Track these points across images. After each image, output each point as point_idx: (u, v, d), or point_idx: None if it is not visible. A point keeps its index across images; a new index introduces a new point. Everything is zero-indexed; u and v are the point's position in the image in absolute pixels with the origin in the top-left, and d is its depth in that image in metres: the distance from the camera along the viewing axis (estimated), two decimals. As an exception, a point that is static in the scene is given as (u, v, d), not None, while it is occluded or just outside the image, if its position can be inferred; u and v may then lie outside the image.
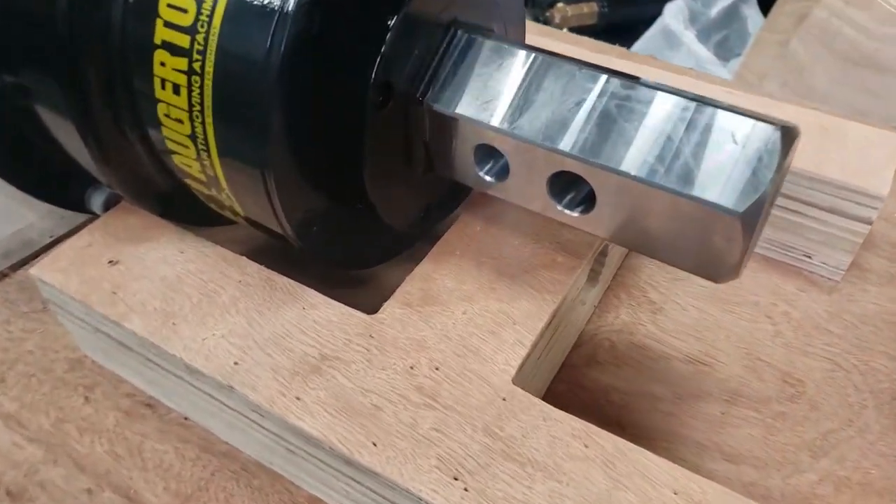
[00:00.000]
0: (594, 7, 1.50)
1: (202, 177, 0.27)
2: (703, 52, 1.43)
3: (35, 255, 0.40)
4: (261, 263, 0.30)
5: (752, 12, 1.41)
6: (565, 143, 0.24)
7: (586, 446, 0.24)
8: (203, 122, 0.25)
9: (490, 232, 0.31)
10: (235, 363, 0.26)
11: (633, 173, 0.23)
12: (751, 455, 0.30)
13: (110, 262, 0.30)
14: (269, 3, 0.23)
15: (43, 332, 0.36)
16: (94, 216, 0.34)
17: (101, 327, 0.30)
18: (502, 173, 0.27)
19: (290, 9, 0.22)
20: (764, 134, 0.22)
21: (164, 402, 0.32)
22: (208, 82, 0.24)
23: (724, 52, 1.46)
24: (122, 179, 0.30)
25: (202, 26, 0.24)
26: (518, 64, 0.26)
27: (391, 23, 0.25)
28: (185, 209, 0.33)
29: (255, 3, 0.23)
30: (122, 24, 0.26)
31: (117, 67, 0.26)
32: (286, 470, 0.29)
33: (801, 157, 0.35)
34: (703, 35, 1.43)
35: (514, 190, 0.27)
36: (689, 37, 1.37)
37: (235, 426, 0.29)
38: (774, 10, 1.19)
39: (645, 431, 0.31)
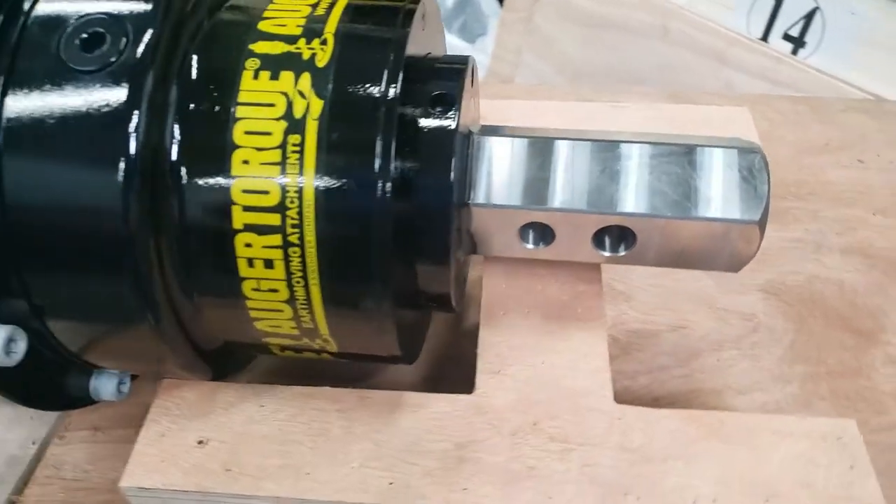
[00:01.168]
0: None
1: (294, 332, 0.28)
2: (450, 38, 1.54)
3: (31, 472, 0.36)
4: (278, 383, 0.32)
5: (481, -4, 1.55)
6: (609, 206, 0.29)
7: (692, 428, 0.30)
8: (306, 286, 0.26)
9: (514, 286, 0.36)
10: (390, 483, 0.29)
11: (670, 215, 0.29)
12: (752, 382, 0.39)
13: (199, 442, 0.30)
14: (363, 177, 0.25)
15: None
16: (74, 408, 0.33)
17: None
18: (547, 240, 0.31)
19: (384, 185, 0.25)
20: (748, 158, 0.29)
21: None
22: (311, 250, 0.26)
23: (467, 35, 1.58)
24: (178, 352, 0.29)
25: (292, 202, 0.25)
26: (536, 150, 0.30)
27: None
28: (231, 363, 0.34)
29: (351, 172, 0.25)
30: (183, 218, 0.26)
31: (190, 257, 0.26)
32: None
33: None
34: (446, 23, 1.54)
35: (560, 250, 0.32)
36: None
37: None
38: (507, -2, 1.33)
39: (676, 397, 0.38)
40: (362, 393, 0.32)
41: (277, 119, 0.25)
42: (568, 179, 0.30)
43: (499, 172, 0.30)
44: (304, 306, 0.27)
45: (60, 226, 0.25)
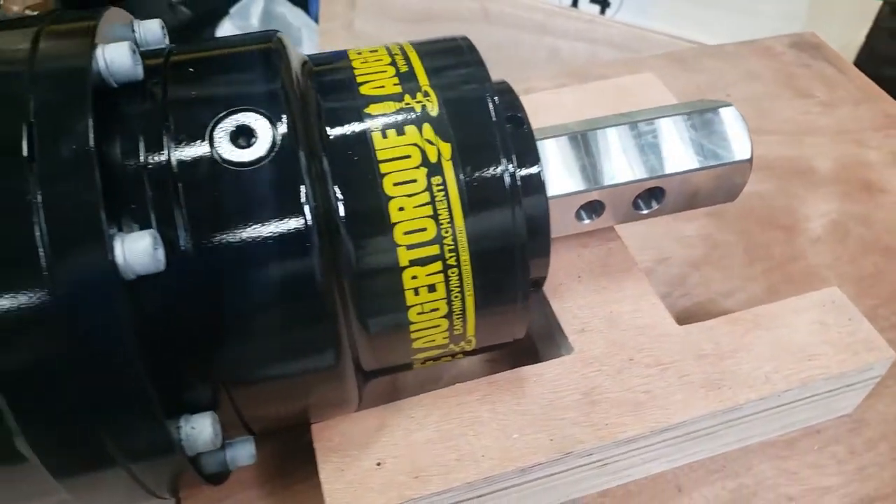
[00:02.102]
0: None
1: (444, 342, 0.33)
2: None
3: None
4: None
5: (285, 9, 1.56)
6: (642, 173, 0.37)
7: (737, 327, 0.39)
8: (462, 298, 0.31)
9: (557, 260, 0.42)
10: (550, 440, 0.34)
11: (695, 167, 0.37)
12: (732, 287, 0.49)
13: (378, 464, 0.34)
14: (499, 195, 0.30)
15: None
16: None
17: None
18: (598, 213, 0.38)
19: (517, 198, 0.30)
20: (728, 114, 0.38)
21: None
22: (466, 267, 0.30)
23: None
24: (350, 388, 0.32)
25: (446, 232, 0.30)
26: (577, 143, 0.37)
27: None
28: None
29: (488, 194, 0.30)
30: (357, 265, 0.29)
31: (364, 298, 0.30)
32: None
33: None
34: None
35: (607, 218, 0.39)
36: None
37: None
38: (323, 4, 1.36)
39: (689, 312, 0.47)
40: (487, 380, 0.37)
41: (417, 167, 0.30)
42: (611, 159, 0.37)
43: (555, 166, 0.36)
44: (458, 317, 0.32)
45: (260, 296, 0.27)
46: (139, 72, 0.28)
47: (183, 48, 0.31)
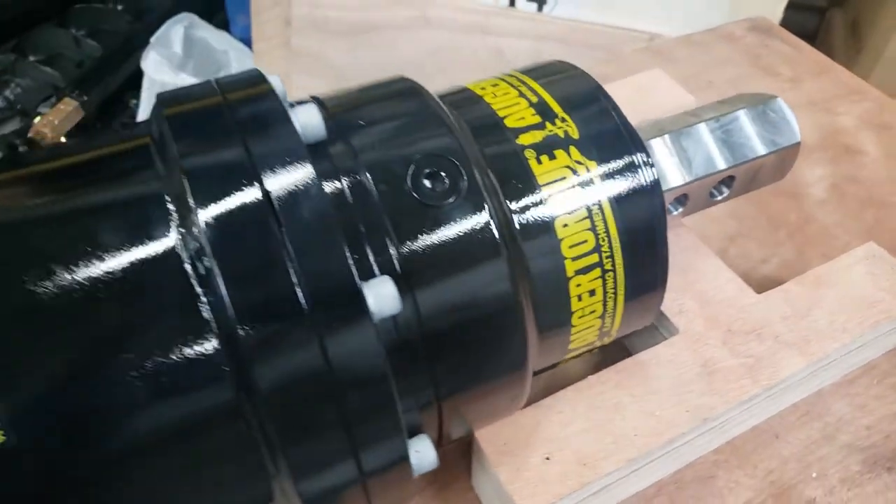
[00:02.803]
0: (72, 102, 1.41)
1: (593, 339, 0.37)
2: (189, 80, 1.49)
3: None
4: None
5: (207, 33, 1.53)
6: (724, 163, 0.42)
7: (802, 288, 0.44)
8: (615, 298, 0.35)
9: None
10: (686, 411, 0.38)
11: (762, 153, 0.42)
12: (765, 254, 0.55)
13: (546, 458, 0.37)
14: (647, 196, 0.34)
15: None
16: None
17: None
18: (683, 204, 0.43)
19: (660, 197, 0.34)
20: (776, 104, 0.44)
21: None
22: (619, 269, 0.34)
23: (205, 73, 1.54)
24: (525, 389, 0.35)
25: (603, 240, 0.33)
26: (675, 140, 0.41)
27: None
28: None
29: (632, 199, 0.34)
30: (534, 275, 0.32)
31: (540, 305, 0.33)
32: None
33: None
34: (180, 68, 1.49)
35: (689, 209, 0.43)
36: (185, 78, 1.43)
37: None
38: (255, 25, 1.34)
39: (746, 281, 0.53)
40: (613, 369, 0.41)
41: (573, 187, 0.33)
42: (699, 154, 0.41)
43: (658, 164, 0.41)
44: (610, 315, 0.35)
45: (464, 319, 0.30)
46: (323, 130, 0.30)
47: (334, 102, 0.33)
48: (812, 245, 0.55)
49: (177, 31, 1.51)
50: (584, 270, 0.33)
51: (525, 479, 0.36)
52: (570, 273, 0.33)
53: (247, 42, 1.54)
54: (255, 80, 0.31)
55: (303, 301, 0.25)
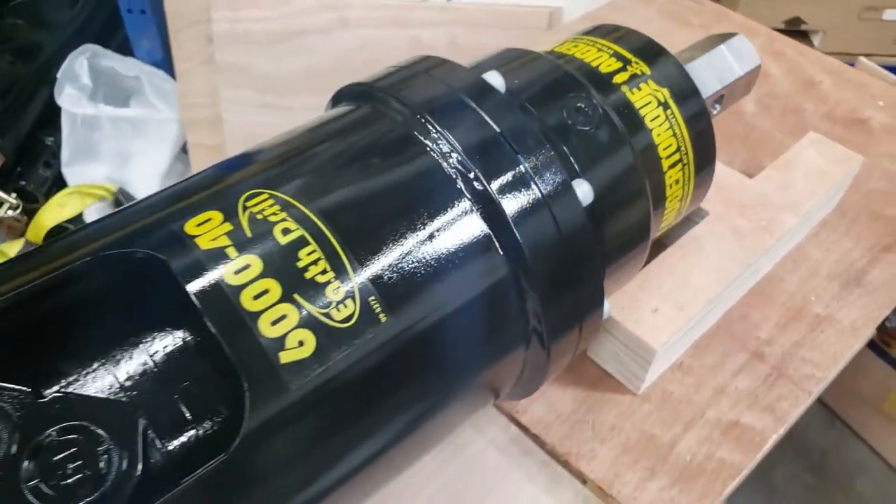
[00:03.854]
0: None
1: (672, 220, 0.50)
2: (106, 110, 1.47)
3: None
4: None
5: (114, 62, 1.52)
6: (720, 84, 0.57)
7: (777, 169, 0.61)
8: (689, 183, 0.49)
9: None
10: (735, 262, 0.53)
11: (740, 74, 0.58)
12: (745, 152, 0.71)
13: (654, 310, 0.50)
14: (699, 104, 0.48)
15: None
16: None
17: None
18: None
19: (702, 100, 0.48)
20: (739, 39, 0.59)
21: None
22: (691, 163, 0.48)
23: (117, 100, 1.54)
24: None
25: (681, 142, 0.47)
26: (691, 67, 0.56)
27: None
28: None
29: (694, 109, 0.48)
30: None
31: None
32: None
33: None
34: (92, 97, 1.48)
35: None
36: (104, 109, 1.44)
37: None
38: (175, 45, 1.37)
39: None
40: (676, 245, 0.55)
41: (657, 107, 0.46)
42: (706, 77, 0.56)
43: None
44: (685, 198, 0.49)
45: (620, 202, 0.43)
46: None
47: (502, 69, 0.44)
48: (759, 146, 0.73)
49: (81, 63, 1.49)
50: (672, 165, 0.47)
51: (645, 326, 0.49)
52: (665, 168, 0.47)
53: (156, 65, 1.56)
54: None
55: (538, 189, 0.37)
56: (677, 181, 0.48)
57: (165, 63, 1.53)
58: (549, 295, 0.38)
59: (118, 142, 1.46)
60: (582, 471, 0.48)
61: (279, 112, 1.40)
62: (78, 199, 1.36)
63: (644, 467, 0.48)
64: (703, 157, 0.49)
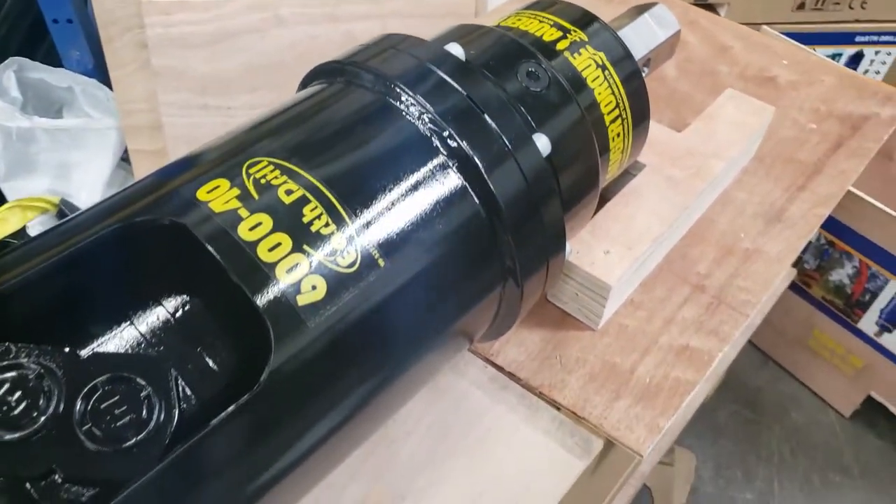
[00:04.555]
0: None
1: (615, 172, 0.56)
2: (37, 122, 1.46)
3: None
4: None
5: (44, 73, 1.50)
6: (645, 49, 0.63)
7: (702, 121, 0.68)
8: (628, 136, 0.55)
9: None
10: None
11: (663, 39, 0.64)
12: (671, 112, 0.78)
13: (606, 252, 0.56)
14: (632, 65, 0.54)
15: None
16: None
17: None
18: (626, 83, 0.64)
19: (634, 61, 0.54)
20: (659, 7, 0.66)
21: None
22: (629, 118, 0.54)
23: (46, 111, 1.52)
24: None
25: (619, 99, 0.53)
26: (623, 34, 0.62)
27: None
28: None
29: (627, 70, 0.54)
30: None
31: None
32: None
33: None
34: (23, 110, 1.47)
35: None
36: (38, 121, 1.42)
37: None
38: (108, 53, 1.36)
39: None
40: (620, 194, 0.61)
41: (595, 69, 0.52)
42: (637, 42, 0.62)
43: (607, 62, 0.61)
44: (626, 150, 0.56)
45: (572, 155, 0.49)
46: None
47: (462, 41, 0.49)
48: (682, 105, 0.80)
49: (8, 76, 1.46)
50: (613, 120, 0.53)
51: (599, 266, 0.55)
52: (607, 123, 0.53)
53: (88, 74, 1.54)
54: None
55: (504, 143, 0.42)
56: (618, 134, 0.54)
57: (96, 72, 1.51)
58: (520, 237, 0.43)
59: (56, 153, 1.44)
60: (555, 399, 0.54)
61: (219, 113, 1.41)
62: (20, 213, 1.34)
63: (609, 391, 0.54)
64: (639, 113, 0.55)
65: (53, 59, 1.56)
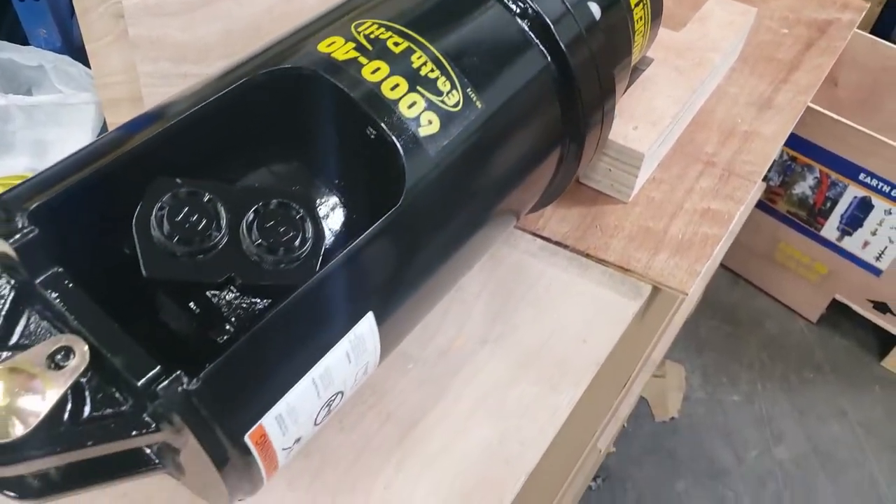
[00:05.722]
0: None
1: (637, 54, 0.63)
2: (17, 98, 1.44)
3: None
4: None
5: (11, 52, 1.48)
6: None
7: (696, 22, 0.75)
8: (648, 22, 0.61)
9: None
10: (684, 89, 0.67)
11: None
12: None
13: (634, 128, 0.63)
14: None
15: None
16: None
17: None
18: None
19: None
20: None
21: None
22: (647, 3, 0.61)
23: (18, 87, 1.50)
24: None
25: (639, -14, 0.60)
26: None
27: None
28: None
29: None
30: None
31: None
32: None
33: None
34: (7, 89, 1.45)
35: None
36: (13, 98, 1.40)
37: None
38: (83, 26, 1.35)
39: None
40: (636, 84, 0.68)
41: (619, -42, 0.59)
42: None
43: None
44: (645, 34, 0.62)
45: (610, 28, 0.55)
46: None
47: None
48: (668, 19, 0.87)
49: (-27, 56, 1.44)
50: (636, 4, 0.59)
51: (631, 139, 0.62)
52: (632, 5, 0.59)
53: (57, 52, 1.53)
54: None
55: (568, 7, 0.48)
56: (640, 18, 0.60)
57: (65, 49, 1.49)
58: (583, 85, 0.49)
59: (33, 131, 1.42)
60: (602, 258, 0.60)
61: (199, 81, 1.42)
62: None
63: (649, 248, 0.61)
64: (656, 7, 0.62)
65: (16, 38, 1.54)
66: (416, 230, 0.41)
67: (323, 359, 0.37)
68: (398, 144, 0.40)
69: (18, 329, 0.35)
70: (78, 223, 0.36)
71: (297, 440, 0.39)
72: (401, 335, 0.45)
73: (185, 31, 1.44)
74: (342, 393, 0.41)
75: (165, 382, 0.32)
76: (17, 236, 0.33)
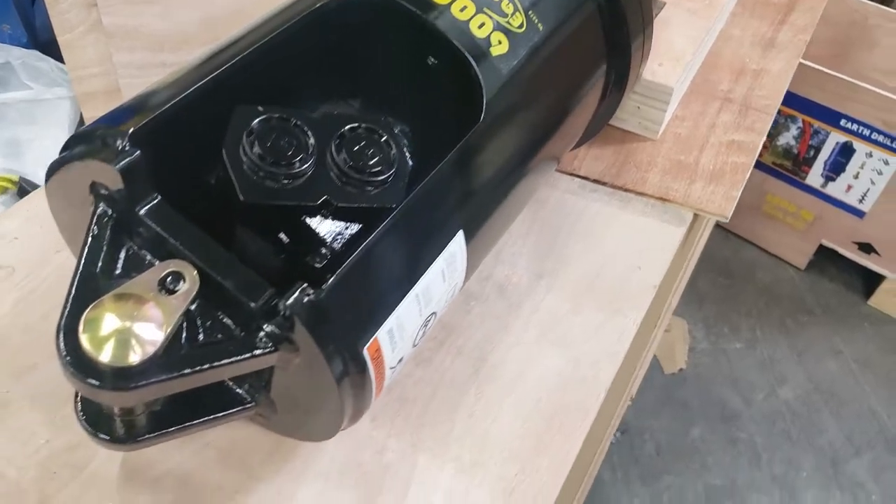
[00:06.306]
0: None
1: None
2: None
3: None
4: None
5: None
6: None
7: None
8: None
9: None
10: (700, 27, 0.69)
11: None
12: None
13: (659, 65, 0.64)
14: None
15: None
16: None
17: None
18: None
19: None
20: None
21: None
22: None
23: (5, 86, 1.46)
24: None
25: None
26: None
27: None
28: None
29: None
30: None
31: None
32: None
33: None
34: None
35: None
36: None
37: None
38: (54, 17, 1.32)
39: None
40: (659, 19, 0.69)
41: None
42: None
43: None
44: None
45: None
46: None
47: None
48: None
49: (-59, 57, 1.39)
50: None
51: (659, 74, 0.63)
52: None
53: (25, 46, 1.49)
54: None
55: None
56: (661, -41, 0.62)
57: (31, 44, 1.45)
58: (629, 15, 0.50)
59: (7, 130, 1.38)
60: (641, 191, 0.62)
61: (178, 69, 1.40)
62: (-19, 195, 1.29)
63: (684, 179, 0.63)
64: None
65: (-22, 37, 1.49)
66: (495, 147, 0.42)
67: (424, 275, 0.38)
68: (474, 64, 0.40)
69: (120, 260, 0.35)
70: (170, 149, 0.36)
71: (401, 360, 0.39)
72: (480, 256, 0.45)
73: (163, 18, 1.41)
74: (435, 314, 0.41)
75: (294, 295, 0.32)
76: (121, 159, 0.33)
